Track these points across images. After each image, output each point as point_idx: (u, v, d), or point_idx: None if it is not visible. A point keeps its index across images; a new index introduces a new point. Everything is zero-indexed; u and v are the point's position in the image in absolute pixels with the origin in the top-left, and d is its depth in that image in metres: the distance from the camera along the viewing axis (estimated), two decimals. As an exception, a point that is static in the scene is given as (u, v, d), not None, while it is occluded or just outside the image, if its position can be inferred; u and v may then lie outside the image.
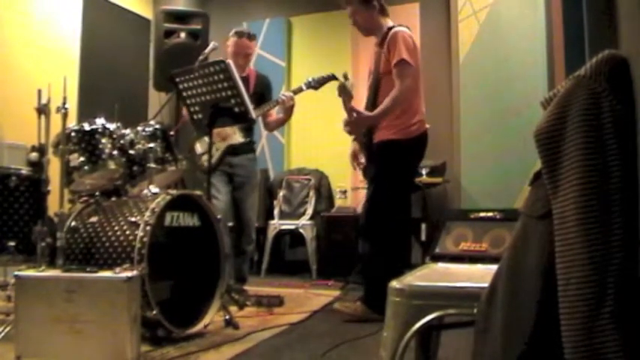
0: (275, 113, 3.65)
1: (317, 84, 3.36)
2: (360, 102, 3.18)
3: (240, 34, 3.48)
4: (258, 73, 3.64)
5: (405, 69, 2.88)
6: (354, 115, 2.94)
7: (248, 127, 3.46)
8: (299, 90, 3.40)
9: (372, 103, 3.04)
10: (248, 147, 3.52)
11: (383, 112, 2.91)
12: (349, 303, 3.00)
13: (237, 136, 3.42)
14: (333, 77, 3.31)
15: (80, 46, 5.04)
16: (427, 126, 3.06)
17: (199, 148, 3.47)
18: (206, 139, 3.36)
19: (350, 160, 3.26)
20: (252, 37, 3.52)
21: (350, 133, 3.08)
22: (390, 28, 3.01)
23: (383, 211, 2.95)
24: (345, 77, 3.07)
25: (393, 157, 2.97)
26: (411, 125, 2.96)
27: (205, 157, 3.38)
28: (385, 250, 2.93)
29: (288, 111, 3.42)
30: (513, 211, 3.25)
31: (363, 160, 3.18)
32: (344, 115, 3.06)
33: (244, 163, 3.50)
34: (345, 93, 3.03)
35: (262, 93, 3.50)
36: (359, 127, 3.02)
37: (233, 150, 3.44)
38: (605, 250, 0.79)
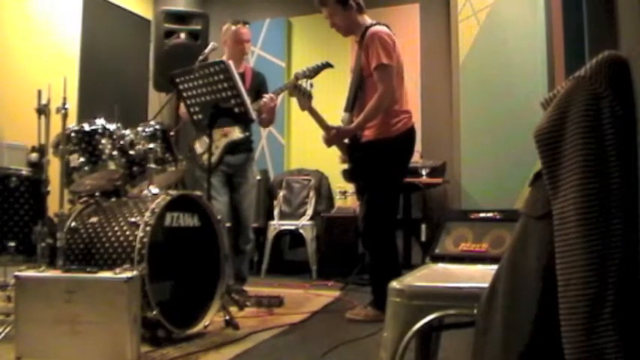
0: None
1: (312, 73, 3.32)
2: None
3: (237, 22, 3.56)
4: (254, 70, 3.68)
5: (386, 72, 2.88)
6: (334, 131, 2.97)
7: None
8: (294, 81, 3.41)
9: (352, 102, 3.02)
10: (246, 145, 3.53)
11: (365, 120, 2.92)
12: (358, 309, 2.98)
13: (236, 132, 3.42)
14: (327, 65, 3.26)
15: (80, 46, 5.04)
16: (413, 121, 3.05)
17: (199, 147, 3.47)
18: (206, 138, 3.36)
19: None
20: (246, 23, 3.63)
21: (329, 145, 3.08)
22: (367, 27, 2.98)
23: (383, 215, 2.96)
24: (297, 77, 3.04)
25: (381, 156, 2.96)
26: (397, 122, 2.96)
27: (206, 157, 3.39)
28: (390, 251, 2.95)
29: (271, 111, 3.43)
30: (513, 212, 3.25)
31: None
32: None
33: (242, 163, 3.50)
34: (301, 93, 2.99)
35: (258, 90, 3.52)
36: (340, 140, 3.03)
37: (232, 148, 3.44)
38: (605, 250, 0.79)
